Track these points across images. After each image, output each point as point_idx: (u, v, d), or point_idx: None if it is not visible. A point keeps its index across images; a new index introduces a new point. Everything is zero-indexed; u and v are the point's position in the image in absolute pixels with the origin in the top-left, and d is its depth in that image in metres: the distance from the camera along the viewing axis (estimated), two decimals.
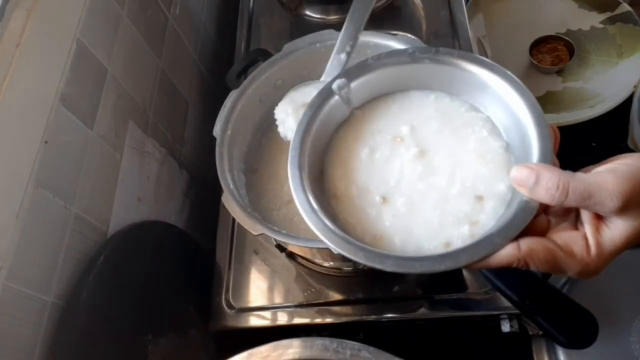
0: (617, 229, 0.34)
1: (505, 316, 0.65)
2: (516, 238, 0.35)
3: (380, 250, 0.38)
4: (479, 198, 0.40)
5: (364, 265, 0.66)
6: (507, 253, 0.34)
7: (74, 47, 0.56)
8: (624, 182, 0.32)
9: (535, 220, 0.36)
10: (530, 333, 0.68)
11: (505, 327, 0.65)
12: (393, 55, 0.46)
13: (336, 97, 0.45)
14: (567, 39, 1.07)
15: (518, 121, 0.41)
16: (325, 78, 0.56)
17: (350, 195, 0.43)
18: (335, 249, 0.38)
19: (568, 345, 0.40)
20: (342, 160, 0.45)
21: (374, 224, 0.41)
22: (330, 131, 0.47)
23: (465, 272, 0.67)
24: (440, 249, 0.39)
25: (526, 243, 0.34)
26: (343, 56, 0.56)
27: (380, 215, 0.42)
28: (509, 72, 0.42)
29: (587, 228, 0.35)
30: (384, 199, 0.42)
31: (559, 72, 1.07)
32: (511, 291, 0.38)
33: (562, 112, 1.01)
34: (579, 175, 0.34)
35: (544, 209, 0.37)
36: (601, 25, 1.10)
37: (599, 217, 0.35)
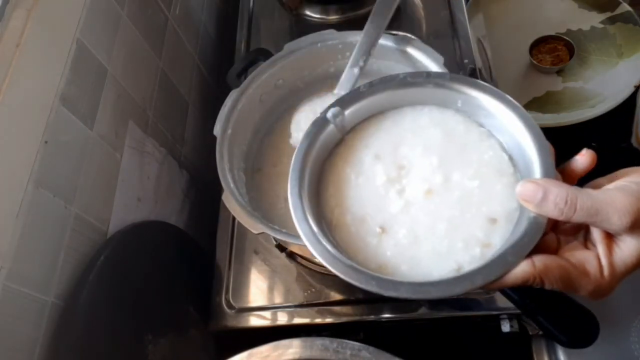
0: (627, 249, 0.34)
1: (505, 316, 0.65)
2: (529, 255, 0.34)
3: (393, 278, 0.38)
4: (493, 220, 0.39)
5: None
6: (522, 270, 0.34)
7: (74, 47, 0.56)
8: (633, 200, 0.32)
9: (545, 238, 0.36)
10: (530, 333, 0.68)
11: (505, 327, 0.65)
12: (384, 82, 0.46)
13: (331, 126, 0.46)
14: (567, 39, 1.07)
15: (515, 138, 0.41)
16: (338, 90, 0.58)
17: (346, 224, 0.42)
18: (347, 279, 0.37)
19: (568, 345, 0.39)
20: (334, 186, 0.45)
21: (375, 253, 0.40)
22: (325, 157, 0.47)
23: None
24: (451, 274, 0.38)
25: (541, 260, 0.34)
26: (356, 70, 0.61)
27: (381, 245, 0.41)
28: (500, 91, 0.42)
29: (600, 248, 0.35)
30: (383, 229, 0.41)
31: (559, 72, 1.07)
32: (511, 291, 0.38)
33: (562, 112, 1.01)
34: (588, 191, 0.34)
35: (553, 226, 0.37)
36: (601, 25, 1.10)
37: (609, 237, 0.35)
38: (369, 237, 0.41)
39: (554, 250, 0.37)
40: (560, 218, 0.34)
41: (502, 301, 0.64)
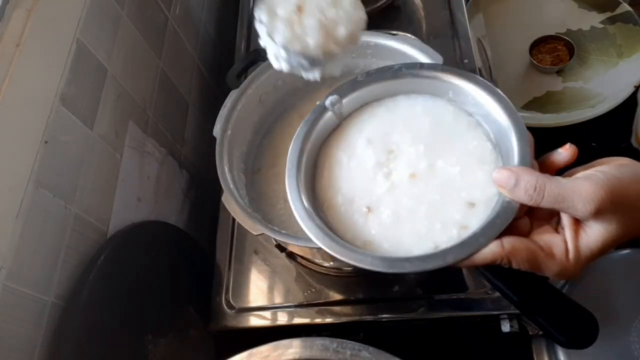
0: (593, 234, 0.36)
1: (505, 316, 0.65)
2: (500, 237, 0.37)
3: (371, 253, 0.40)
4: (471, 205, 0.41)
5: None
6: (491, 250, 0.36)
7: (74, 47, 0.56)
8: (597, 188, 0.34)
9: (518, 222, 0.38)
10: (530, 333, 0.68)
11: (505, 327, 0.65)
12: (381, 72, 0.48)
13: (329, 113, 0.48)
14: (567, 39, 1.07)
15: (500, 127, 0.43)
16: None
17: (337, 204, 0.45)
18: (330, 252, 0.40)
19: (568, 345, 0.40)
20: (328, 169, 0.47)
21: (361, 231, 0.43)
22: (322, 142, 0.49)
23: (465, 272, 0.67)
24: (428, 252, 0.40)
25: (509, 241, 0.36)
26: None
27: (367, 224, 0.43)
28: (488, 83, 0.45)
29: (567, 233, 0.37)
30: (369, 209, 0.44)
31: (559, 72, 1.07)
32: (511, 291, 0.39)
33: (562, 112, 1.01)
34: (557, 179, 0.36)
35: (528, 211, 0.39)
36: (601, 25, 1.10)
37: (577, 223, 0.37)
38: (356, 216, 0.44)
39: (526, 233, 0.39)
40: (530, 203, 0.36)
41: (502, 301, 0.64)
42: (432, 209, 0.42)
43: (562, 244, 0.37)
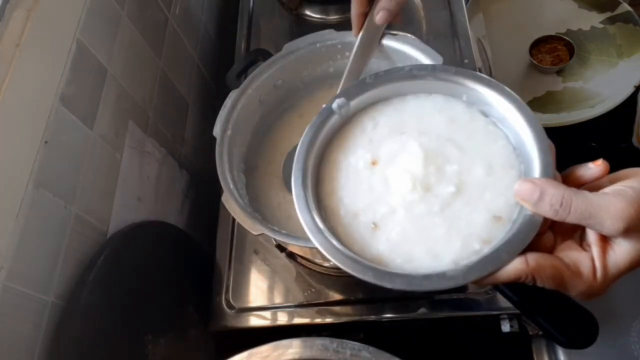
0: (621, 253, 0.34)
1: (505, 316, 0.65)
2: (523, 253, 0.35)
3: (389, 269, 0.38)
4: (497, 218, 0.38)
5: None
6: (515, 267, 0.34)
7: (74, 47, 0.56)
8: (626, 206, 0.33)
9: (542, 237, 0.36)
10: (530, 333, 0.68)
11: (505, 327, 0.65)
12: (391, 74, 0.46)
13: (336, 116, 0.46)
14: (567, 39, 1.07)
15: (517, 134, 0.41)
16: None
17: (340, 215, 0.42)
18: (345, 269, 0.38)
19: (568, 345, 0.40)
20: (329, 175, 0.44)
21: (370, 246, 0.40)
22: (326, 143, 0.46)
23: None
24: (446, 267, 0.37)
25: (534, 258, 0.34)
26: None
27: (375, 239, 0.40)
28: (507, 88, 0.42)
29: (595, 250, 0.35)
30: (376, 225, 0.41)
31: (559, 72, 1.07)
32: (511, 291, 0.38)
33: (562, 112, 1.01)
34: (584, 193, 0.34)
35: (550, 225, 0.37)
36: (601, 25, 1.10)
37: (604, 240, 0.35)
38: (362, 230, 0.41)
39: (550, 249, 0.37)
40: (555, 218, 0.35)
41: (502, 301, 0.64)
42: (451, 222, 0.39)
43: (590, 262, 0.35)
